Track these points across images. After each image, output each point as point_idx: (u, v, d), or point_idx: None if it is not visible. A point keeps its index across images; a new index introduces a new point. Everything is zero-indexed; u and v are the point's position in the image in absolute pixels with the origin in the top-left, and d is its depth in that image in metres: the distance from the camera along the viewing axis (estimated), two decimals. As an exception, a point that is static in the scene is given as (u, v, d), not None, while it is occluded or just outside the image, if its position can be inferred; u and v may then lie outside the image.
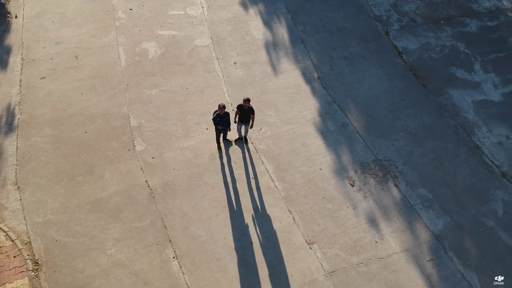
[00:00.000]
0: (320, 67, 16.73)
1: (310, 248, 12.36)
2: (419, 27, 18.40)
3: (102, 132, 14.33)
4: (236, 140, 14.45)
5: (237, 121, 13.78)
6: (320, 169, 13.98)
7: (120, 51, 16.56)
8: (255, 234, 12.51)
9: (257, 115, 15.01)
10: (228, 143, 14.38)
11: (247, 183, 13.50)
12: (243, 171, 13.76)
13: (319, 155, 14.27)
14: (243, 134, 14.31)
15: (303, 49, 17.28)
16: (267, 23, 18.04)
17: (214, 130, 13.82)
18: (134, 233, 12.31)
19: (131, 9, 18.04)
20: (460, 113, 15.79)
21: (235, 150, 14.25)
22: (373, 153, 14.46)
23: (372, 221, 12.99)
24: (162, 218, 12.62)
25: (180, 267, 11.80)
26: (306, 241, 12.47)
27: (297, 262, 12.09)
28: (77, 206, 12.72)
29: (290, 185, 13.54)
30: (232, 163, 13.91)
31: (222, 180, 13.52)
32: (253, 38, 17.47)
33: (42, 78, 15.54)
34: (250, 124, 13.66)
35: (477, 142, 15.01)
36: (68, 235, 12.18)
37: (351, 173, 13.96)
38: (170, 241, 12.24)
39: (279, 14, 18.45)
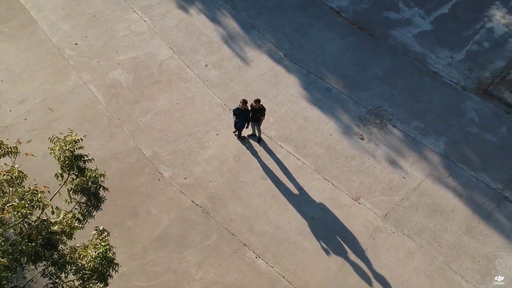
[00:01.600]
0: (281, 45, 17.87)
1: (359, 203, 13.98)
2: (340, -16, 20.28)
3: (122, 172, 14.22)
4: (249, 136, 15.25)
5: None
6: (330, 134, 15.48)
7: (92, 89, 16.08)
8: (310, 209, 13.76)
9: (229, 100, 15.83)
10: (244, 140, 15.15)
11: (279, 169, 14.55)
12: (270, 160, 14.74)
13: (323, 123, 15.71)
14: (256, 132, 15.14)
15: (258, 33, 18.22)
16: (214, 19, 18.56)
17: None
18: (209, 251, 12.85)
19: (77, 44, 17.32)
20: (409, 49, 18.16)
21: (252, 145, 15.10)
22: (363, 106, 16.28)
23: (392, 162, 14.94)
24: (226, 228, 13.27)
25: (267, 263, 12.73)
26: (352, 199, 14.06)
27: (356, 219, 13.68)
28: (142, 249, 12.82)
29: (314, 157, 14.88)
30: (257, 157, 14.80)
31: (257, 175, 14.40)
32: (209, 37, 17.94)
33: (28, 142, 14.68)
34: (259, 124, 14.54)
35: (433, 69, 17.55)
36: (150, 279, 12.36)
37: (356, 129, 15.67)
38: (245, 245, 13.02)
39: (219, 7, 19.00)
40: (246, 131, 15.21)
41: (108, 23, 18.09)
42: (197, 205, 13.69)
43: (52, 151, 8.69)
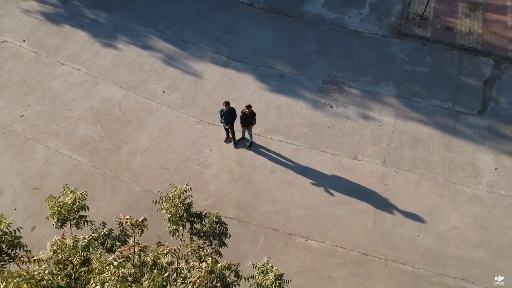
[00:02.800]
0: (219, 50, 18.60)
1: (359, 160, 15.72)
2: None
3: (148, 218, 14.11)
4: (239, 140, 15.99)
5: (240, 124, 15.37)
6: (305, 113, 16.88)
7: (67, 153, 15.37)
8: (324, 181, 15.13)
9: (218, 112, 16.50)
10: (236, 143, 15.86)
11: (280, 158, 15.62)
12: (269, 154, 15.72)
13: (294, 106, 17.02)
14: (247, 136, 15.89)
15: (192, 46, 18.68)
16: (145, 46, 18.54)
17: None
18: (264, 253, 13.59)
19: (23, 115, 16.22)
20: (324, 18, 20.11)
21: (245, 147, 15.90)
22: (317, 79, 17.89)
23: (365, 116, 16.87)
24: (267, 227, 14.10)
25: (317, 241, 13.89)
26: (352, 159, 15.73)
27: (363, 174, 15.38)
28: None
29: (303, 137, 16.19)
30: (256, 156, 15.67)
31: (265, 171, 15.32)
32: (150, 64, 17.97)
33: (33, 230, 13.78)
34: (250, 128, 15.39)
35: (352, 28, 19.75)
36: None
37: (322, 100, 17.27)
38: (290, 234, 14.01)
39: (142, 34, 18.97)
40: (236, 137, 15.95)
41: (42, 84, 17.12)
42: (231, 218, 14.25)
43: (165, 210, 8.81)
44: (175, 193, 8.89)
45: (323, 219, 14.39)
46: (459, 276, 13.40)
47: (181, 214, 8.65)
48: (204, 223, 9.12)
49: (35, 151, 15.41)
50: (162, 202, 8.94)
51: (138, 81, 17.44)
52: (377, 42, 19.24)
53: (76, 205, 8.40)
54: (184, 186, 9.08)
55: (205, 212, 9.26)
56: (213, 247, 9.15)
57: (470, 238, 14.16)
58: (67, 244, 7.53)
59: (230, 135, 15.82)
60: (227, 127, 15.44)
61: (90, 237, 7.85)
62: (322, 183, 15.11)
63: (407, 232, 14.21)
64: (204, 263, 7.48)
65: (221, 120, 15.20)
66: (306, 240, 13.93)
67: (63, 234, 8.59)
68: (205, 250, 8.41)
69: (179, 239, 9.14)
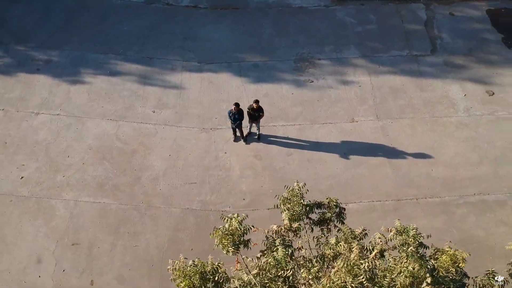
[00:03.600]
0: (188, 57, 18.70)
1: (357, 121, 17.13)
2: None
3: (196, 235, 14.36)
4: (247, 135, 16.56)
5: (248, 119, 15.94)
6: (292, 93, 17.85)
7: (88, 199, 14.90)
8: (337, 149, 16.36)
9: (215, 116, 17.04)
10: (245, 139, 16.45)
11: (290, 141, 16.52)
12: (279, 140, 16.54)
13: (279, 90, 17.89)
14: (255, 131, 16.49)
15: (159, 60, 18.55)
16: (113, 73, 18.08)
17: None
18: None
19: (22, 177, 15.30)
20: (268, 2, 20.95)
21: (254, 141, 16.56)
22: (288, 60, 18.85)
23: (344, 82, 18.25)
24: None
25: (355, 202, 15.18)
26: (351, 122, 17.09)
27: (365, 132, 16.81)
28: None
29: (301, 116, 17.18)
30: (268, 146, 16.42)
31: (283, 156, 16.16)
32: (127, 90, 17.62)
33: (92, 284, 13.41)
34: (259, 121, 16.02)
35: (297, 5, 20.86)
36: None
37: (302, 78, 18.32)
38: (331, 204, 15.13)
39: (104, 61, 18.40)
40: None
41: (26, 139, 16.15)
42: (274, 208, 14.96)
43: (287, 210, 9.36)
44: (293, 192, 9.49)
45: (350, 182, 15.67)
46: (476, 192, 15.53)
47: (304, 210, 9.29)
48: (320, 211, 9.85)
49: (55, 208, 14.73)
50: (282, 205, 9.49)
51: (123, 108, 17.12)
52: (324, 13, 20.59)
53: (242, 229, 8.71)
54: (296, 184, 9.70)
55: (321, 200, 9.98)
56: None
57: (471, 159, 16.33)
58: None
59: (238, 134, 16.35)
60: (235, 127, 15.93)
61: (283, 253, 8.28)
62: (336, 151, 16.33)
63: (422, 170, 16.01)
64: (377, 245, 8.26)
65: (231, 121, 15.65)
66: (346, 205, 15.07)
67: (237, 259, 8.91)
68: (357, 229, 9.18)
69: (298, 236, 9.74)
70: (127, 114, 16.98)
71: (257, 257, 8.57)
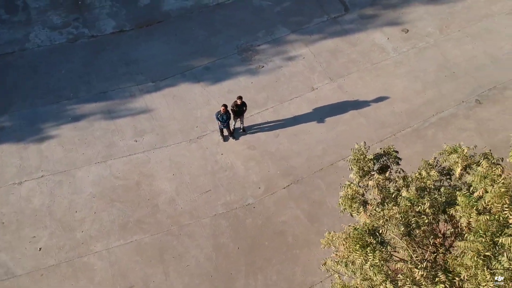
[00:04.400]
0: (140, 80, 18.76)
1: (317, 88, 18.91)
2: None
3: (236, 231, 15.17)
4: (233, 131, 17.46)
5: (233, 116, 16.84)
6: (252, 82, 19.03)
7: (119, 243, 14.80)
8: (321, 112, 18.07)
9: (194, 125, 17.65)
10: (233, 136, 17.39)
11: (272, 123, 17.81)
12: (262, 125, 17.73)
13: (238, 83, 18.94)
14: (239, 125, 17.41)
15: (114, 91, 18.38)
16: (75, 118, 17.56)
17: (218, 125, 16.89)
18: (337, 188, 16.25)
19: (40, 248, 14.60)
20: (186, 7, 21.59)
21: (240, 134, 17.55)
22: (233, 54, 19.87)
23: (290, 58, 19.87)
24: (316, 172, 16.62)
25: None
26: (312, 91, 18.85)
27: (330, 96, 18.74)
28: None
29: (269, 100, 18.48)
30: (255, 134, 17.52)
31: (273, 139, 17.41)
32: (98, 129, 17.33)
33: (165, 315, 13.66)
34: (243, 116, 16.96)
35: (214, 3, 21.84)
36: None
37: (252, 66, 19.52)
38: (337, 162, 16.86)
39: (57, 110, 17.76)
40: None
41: (22, 212, 15.28)
42: (289, 185, 16.29)
43: (355, 167, 10.75)
44: (357, 153, 10.92)
45: (337, 140, 17.51)
46: (434, 113, 18.35)
47: (372, 163, 10.80)
48: (380, 161, 11.41)
49: (90, 263, 14.43)
50: (353, 166, 10.86)
51: (105, 148, 16.90)
52: (241, 4, 21.84)
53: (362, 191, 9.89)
54: (357, 145, 11.12)
55: (379, 152, 11.51)
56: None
57: (417, 88, 19.11)
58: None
59: (225, 133, 17.19)
60: (223, 127, 16.75)
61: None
62: (313, 119, 18.01)
63: (386, 110, 18.41)
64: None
65: (220, 122, 16.42)
66: (343, 160, 16.97)
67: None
68: (430, 160, 10.88)
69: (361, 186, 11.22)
70: (111, 152, 16.83)
71: (378, 206, 9.80)
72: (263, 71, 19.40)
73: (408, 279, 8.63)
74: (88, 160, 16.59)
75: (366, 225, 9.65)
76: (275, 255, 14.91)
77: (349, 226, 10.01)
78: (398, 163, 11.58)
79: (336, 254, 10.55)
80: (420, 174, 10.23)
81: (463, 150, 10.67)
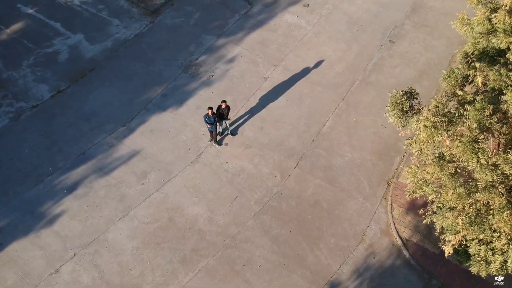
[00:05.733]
0: (111, 129, 18.43)
1: (268, 77, 20.66)
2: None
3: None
4: (218, 136, 18.38)
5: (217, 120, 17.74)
6: (212, 92, 19.97)
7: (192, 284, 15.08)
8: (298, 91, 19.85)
9: (187, 148, 18.18)
10: (218, 142, 18.43)
11: (253, 118, 19.12)
12: (245, 123, 18.94)
13: (201, 98, 19.73)
14: (223, 128, 18.34)
15: (91, 149, 17.87)
16: (66, 190, 16.79)
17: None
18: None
19: (119, 318, 14.19)
20: (109, 52, 21.45)
21: (228, 139, 18.59)
22: (180, 74, 20.47)
23: (231, 61, 21.18)
24: (315, 145, 18.51)
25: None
26: (265, 80, 20.53)
27: (280, 78, 20.63)
28: (341, 191, 17.33)
29: (238, 102, 19.71)
30: (243, 133, 18.70)
31: (259, 129, 18.78)
32: (103, 188, 16.85)
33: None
34: (229, 118, 17.90)
35: (132, 35, 22.00)
36: (360, 182, 17.63)
37: (203, 78, 20.39)
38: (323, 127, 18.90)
39: (44, 190, 16.78)
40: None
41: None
42: (297, 163, 17.92)
43: (393, 106, 12.85)
44: (396, 97, 13.01)
45: (311, 110, 19.53)
46: (367, 60, 21.39)
47: (407, 105, 12.98)
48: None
49: (175, 306, 14.52)
50: (391, 104, 12.93)
51: (118, 202, 16.59)
52: (156, 28, 22.35)
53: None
54: (394, 91, 13.12)
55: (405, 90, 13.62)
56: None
57: (343, 47, 21.97)
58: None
59: (213, 136, 18.18)
60: (212, 129, 17.69)
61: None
62: (282, 102, 19.75)
63: (331, 73, 20.94)
64: None
65: (208, 125, 17.41)
66: (325, 126, 19.09)
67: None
68: None
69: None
70: (127, 203, 16.62)
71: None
72: (215, 79, 20.46)
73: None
74: (111, 220, 16.20)
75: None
76: (321, 222, 16.55)
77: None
78: (416, 98, 13.98)
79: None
80: (455, 93, 12.70)
81: (460, 70, 13.45)
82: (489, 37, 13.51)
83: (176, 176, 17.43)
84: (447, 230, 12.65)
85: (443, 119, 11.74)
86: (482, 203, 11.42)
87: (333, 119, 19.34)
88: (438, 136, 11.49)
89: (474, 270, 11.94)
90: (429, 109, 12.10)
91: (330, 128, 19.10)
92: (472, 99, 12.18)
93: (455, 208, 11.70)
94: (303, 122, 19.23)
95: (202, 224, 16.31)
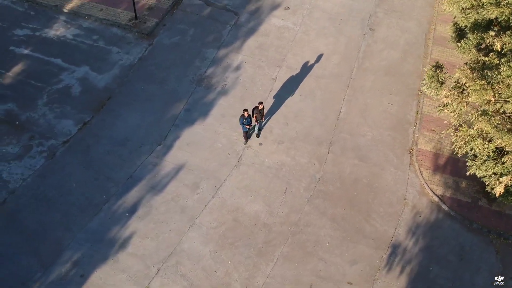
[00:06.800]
0: (144, 152, 19.18)
1: (276, 79, 22.26)
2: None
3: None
4: (257, 135, 19.82)
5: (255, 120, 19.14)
6: (230, 100, 21.21)
7: None
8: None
9: (227, 152, 19.37)
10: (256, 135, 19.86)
11: (277, 119, 20.62)
12: (268, 127, 20.40)
13: (222, 106, 20.92)
14: (257, 127, 19.70)
15: (121, 184, 18.58)
16: (131, 212, 17.41)
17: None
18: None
19: None
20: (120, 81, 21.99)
21: (260, 137, 19.98)
22: (195, 87, 21.51)
23: (238, 68, 22.52)
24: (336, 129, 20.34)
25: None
26: (274, 79, 22.11)
27: (285, 76, 22.30)
28: (374, 165, 19.33)
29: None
30: (269, 128, 20.14)
31: (284, 125, 20.31)
32: (163, 213, 17.61)
33: None
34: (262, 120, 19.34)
35: (130, 61, 22.67)
36: (386, 155, 19.74)
37: (218, 88, 21.57)
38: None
39: (83, 259, 17.30)
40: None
41: (174, 305, 15.30)
42: (329, 148, 19.66)
43: (429, 77, 15.00)
44: (431, 72, 15.13)
45: (325, 101, 21.38)
46: (357, 49, 23.63)
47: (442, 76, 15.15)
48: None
49: (267, 295, 15.72)
50: (428, 78, 15.06)
51: (181, 213, 17.42)
52: (157, 50, 23.17)
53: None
54: (427, 67, 15.24)
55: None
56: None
57: (332, 41, 24.06)
58: None
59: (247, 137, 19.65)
60: (248, 129, 19.08)
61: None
62: (296, 99, 21.42)
63: (330, 65, 22.92)
64: None
65: (244, 126, 18.74)
66: (340, 112, 21.01)
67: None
68: None
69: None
70: (190, 213, 17.51)
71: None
72: (229, 87, 21.71)
73: None
74: (181, 232, 17.03)
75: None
76: (367, 196, 18.40)
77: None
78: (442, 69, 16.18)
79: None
80: (478, 60, 15.03)
81: (471, 39, 15.85)
82: (478, 10, 16.15)
83: (225, 181, 18.52)
84: (484, 177, 15.21)
85: (482, 81, 14.04)
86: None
87: (345, 105, 21.31)
88: (487, 96, 13.70)
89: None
90: (465, 75, 14.38)
91: (346, 113, 21.05)
92: (498, 62, 14.55)
93: (508, 152, 14.01)
94: (320, 112, 21.01)
95: (265, 218, 17.57)
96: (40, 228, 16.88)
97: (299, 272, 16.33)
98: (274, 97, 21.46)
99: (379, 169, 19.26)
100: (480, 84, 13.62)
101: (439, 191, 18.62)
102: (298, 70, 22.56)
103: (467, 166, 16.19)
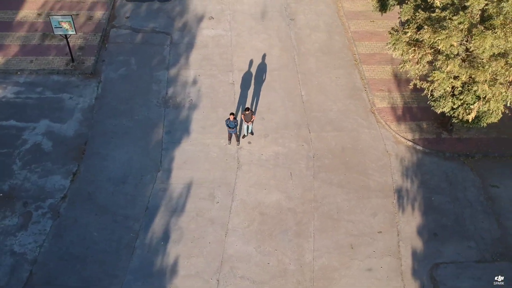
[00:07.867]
0: (149, 177, 19.35)
1: (233, 83, 23.57)
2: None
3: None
4: (243, 137, 20.99)
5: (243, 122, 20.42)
6: (203, 112, 22.05)
7: None
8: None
9: (230, 168, 20.35)
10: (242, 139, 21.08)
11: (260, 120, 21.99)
12: (257, 125, 21.74)
13: (195, 119, 21.70)
14: (247, 131, 20.85)
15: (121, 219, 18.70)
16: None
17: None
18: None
19: None
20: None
21: (248, 138, 21.23)
22: (163, 108, 21.92)
23: (195, 80, 23.36)
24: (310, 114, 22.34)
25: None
26: (231, 83, 23.42)
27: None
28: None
29: (230, 109, 22.23)
30: (258, 131, 21.51)
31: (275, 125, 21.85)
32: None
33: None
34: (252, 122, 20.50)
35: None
36: (355, 120, 22.32)
37: (186, 104, 22.24)
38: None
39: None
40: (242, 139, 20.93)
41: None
42: (309, 132, 21.62)
43: None
44: (394, 35, 17.78)
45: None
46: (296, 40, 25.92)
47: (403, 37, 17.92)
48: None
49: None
50: (393, 43, 17.75)
51: (211, 227, 18.04)
52: (126, 77, 23.02)
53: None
54: (390, 31, 17.85)
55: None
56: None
57: (273, 38, 26.03)
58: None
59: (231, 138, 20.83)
60: (232, 132, 20.27)
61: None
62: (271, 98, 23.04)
63: (274, 54, 24.88)
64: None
65: (230, 128, 19.93)
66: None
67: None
68: None
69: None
70: (219, 222, 18.23)
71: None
72: (196, 101, 22.51)
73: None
74: (220, 240, 17.73)
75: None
76: (357, 158, 20.72)
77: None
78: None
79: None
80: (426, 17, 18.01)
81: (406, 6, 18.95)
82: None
83: (236, 184, 19.51)
84: (451, 111, 18.58)
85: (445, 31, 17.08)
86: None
87: (303, 88, 23.45)
88: (452, 41, 16.68)
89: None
90: (429, 31, 17.32)
91: (307, 95, 23.19)
92: (445, 15, 17.71)
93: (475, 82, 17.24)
94: (286, 100, 22.88)
95: (286, 203, 18.98)
96: (84, 285, 16.34)
97: (336, 238, 18.10)
98: (239, 99, 22.78)
99: (356, 133, 21.75)
100: (445, 33, 16.58)
101: (409, 136, 21.67)
102: (249, 70, 24.11)
103: (432, 107, 19.41)
